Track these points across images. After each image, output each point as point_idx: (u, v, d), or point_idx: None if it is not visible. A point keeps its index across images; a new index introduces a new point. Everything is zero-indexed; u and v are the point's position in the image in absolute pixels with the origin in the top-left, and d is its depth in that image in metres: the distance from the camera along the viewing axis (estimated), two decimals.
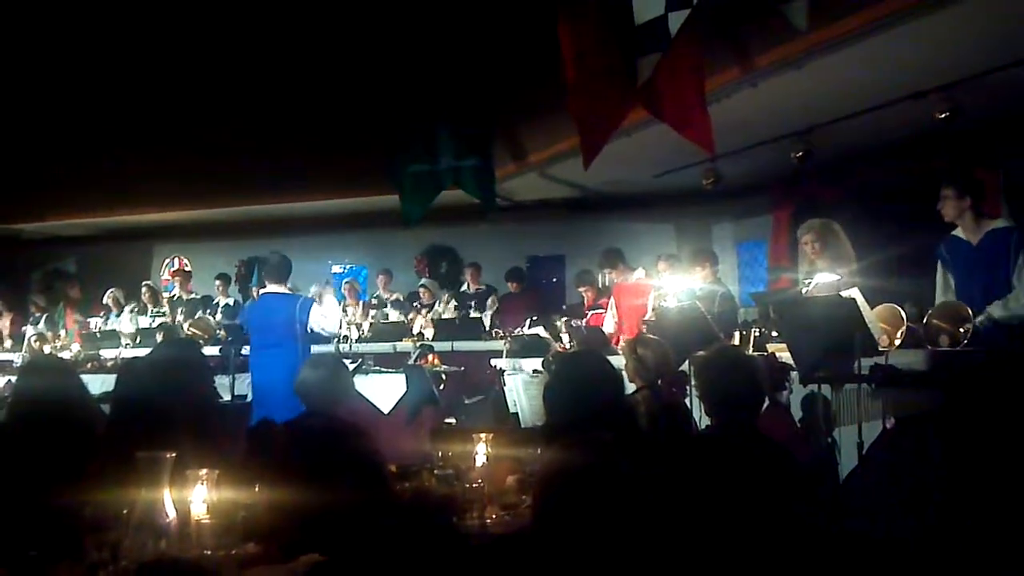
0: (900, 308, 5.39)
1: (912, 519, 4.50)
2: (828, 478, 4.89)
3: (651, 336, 5.74)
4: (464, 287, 11.94)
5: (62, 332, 11.54)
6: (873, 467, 4.78)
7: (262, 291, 7.88)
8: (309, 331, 7.46)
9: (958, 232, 5.91)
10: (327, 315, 7.55)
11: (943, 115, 7.06)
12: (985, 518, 4.35)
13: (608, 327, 8.53)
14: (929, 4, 5.66)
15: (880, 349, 5.00)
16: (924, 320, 5.39)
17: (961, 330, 5.11)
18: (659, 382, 5.22)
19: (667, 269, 8.42)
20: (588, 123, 6.18)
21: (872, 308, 5.24)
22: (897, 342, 5.23)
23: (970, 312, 5.18)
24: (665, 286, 7.75)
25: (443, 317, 10.28)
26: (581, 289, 9.51)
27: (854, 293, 5.09)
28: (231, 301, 11.61)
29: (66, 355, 10.09)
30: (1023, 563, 4.20)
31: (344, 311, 10.61)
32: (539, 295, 11.93)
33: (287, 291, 7.61)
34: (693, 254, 8.39)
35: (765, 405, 4.70)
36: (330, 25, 9.43)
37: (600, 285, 9.32)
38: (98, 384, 7.88)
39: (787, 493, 3.20)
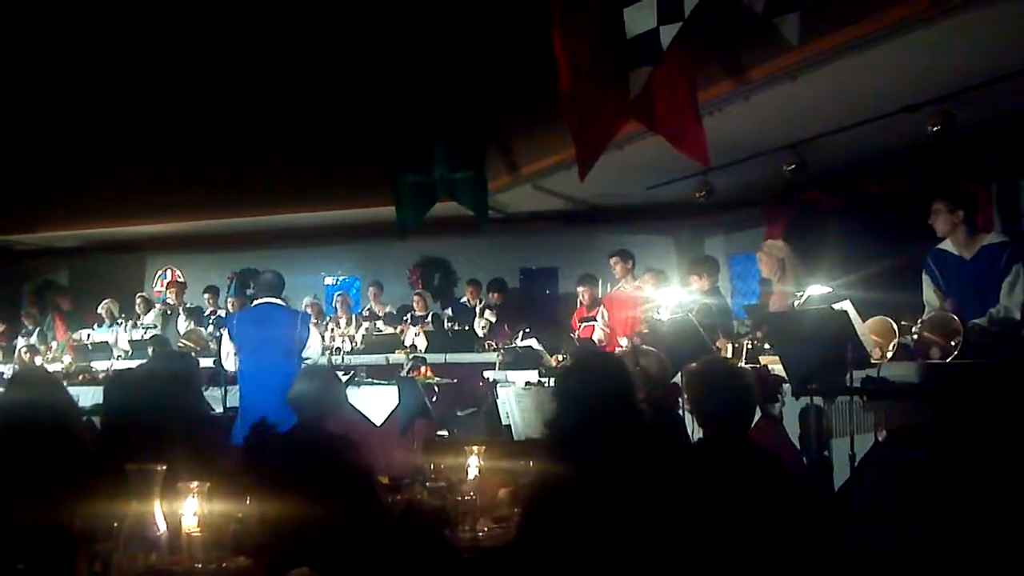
0: (892, 320, 5.40)
1: (904, 531, 4.51)
2: (821, 490, 4.89)
3: (649, 347, 5.74)
4: (462, 300, 11.99)
5: (53, 344, 11.52)
6: (865, 479, 4.79)
7: (257, 301, 7.79)
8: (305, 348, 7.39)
9: (947, 246, 5.91)
10: (316, 338, 7.50)
11: (935, 128, 7.08)
12: (977, 529, 4.35)
13: (598, 335, 8.54)
14: (921, 18, 5.69)
15: (872, 361, 5.01)
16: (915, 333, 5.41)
17: (952, 342, 5.13)
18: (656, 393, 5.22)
19: (652, 282, 8.41)
20: (583, 135, 6.20)
21: (865, 320, 5.25)
22: (889, 354, 5.24)
23: (960, 324, 5.18)
24: (658, 298, 7.77)
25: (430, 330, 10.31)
26: (581, 288, 9.47)
27: (846, 306, 5.10)
28: (222, 313, 11.60)
29: (57, 367, 10.07)
30: (1016, 573, 4.20)
31: (336, 323, 10.61)
32: (524, 307, 11.92)
33: (283, 304, 7.57)
34: (689, 264, 8.42)
35: (757, 417, 4.72)
36: (324, 38, 9.45)
37: (599, 292, 9.30)
38: (90, 396, 7.86)
39: (779, 503, 3.19)
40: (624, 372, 3.37)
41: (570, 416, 3.08)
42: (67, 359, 10.63)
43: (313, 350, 7.36)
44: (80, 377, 9.65)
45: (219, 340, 8.04)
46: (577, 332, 9.14)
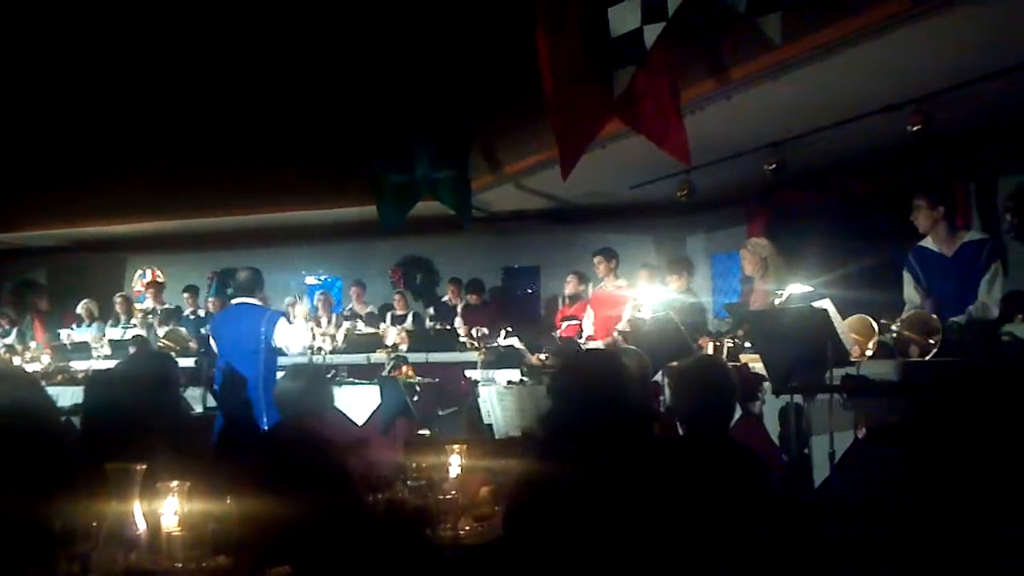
0: (871, 319, 5.43)
1: (883, 528, 4.53)
2: (802, 488, 4.91)
3: (630, 346, 5.76)
4: (444, 299, 12.00)
5: (32, 344, 11.45)
6: (845, 476, 4.81)
7: (233, 301, 7.81)
8: (273, 346, 7.38)
9: (927, 243, 5.95)
10: (293, 334, 7.46)
11: (915, 128, 7.12)
12: (955, 526, 4.38)
13: (587, 330, 8.57)
14: (902, 18, 5.72)
15: (852, 359, 5.03)
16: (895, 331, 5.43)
17: (931, 341, 5.16)
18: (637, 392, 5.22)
19: (648, 278, 8.45)
20: (566, 134, 6.21)
21: (844, 319, 5.27)
22: (868, 352, 5.27)
23: (939, 323, 5.22)
24: (640, 297, 7.79)
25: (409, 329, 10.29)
26: (569, 278, 9.47)
27: (826, 304, 5.12)
28: (201, 313, 11.56)
29: (36, 367, 10.00)
30: (993, 570, 4.23)
31: (317, 323, 10.58)
32: (502, 307, 11.92)
33: (257, 303, 7.54)
34: (667, 264, 8.45)
35: (738, 415, 4.73)
36: (306, 38, 9.42)
37: (583, 289, 9.31)
38: (68, 396, 7.81)
39: (758, 500, 3.21)
40: (620, 371, 3.35)
41: (565, 415, 3.07)
42: (46, 359, 10.55)
43: (287, 344, 7.33)
44: (59, 377, 9.60)
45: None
46: (560, 331, 9.15)
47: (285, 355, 7.44)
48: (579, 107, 6.14)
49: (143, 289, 13.73)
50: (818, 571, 3.75)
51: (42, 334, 12.00)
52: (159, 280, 13.65)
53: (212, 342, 7.47)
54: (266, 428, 5.62)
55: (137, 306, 12.06)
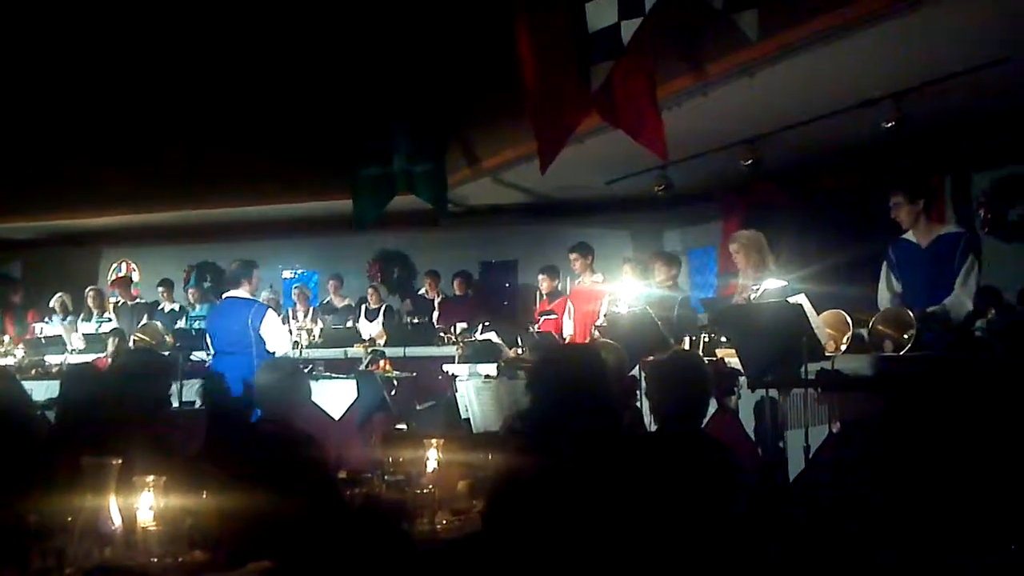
0: (846, 314, 5.46)
1: (856, 521, 4.57)
2: (776, 481, 4.94)
3: (608, 341, 5.78)
4: (421, 291, 12.00)
5: (5, 338, 11.35)
6: (819, 470, 4.85)
7: (224, 296, 7.79)
8: (262, 338, 7.36)
9: (908, 236, 5.99)
10: (277, 332, 7.43)
11: (890, 124, 7.17)
12: (928, 519, 4.42)
13: (567, 330, 8.58)
14: (877, 15, 5.76)
15: (826, 354, 5.07)
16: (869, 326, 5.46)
17: (905, 336, 5.19)
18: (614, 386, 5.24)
19: (631, 272, 8.46)
20: (545, 128, 6.22)
21: (820, 313, 5.30)
22: (843, 347, 5.30)
23: (913, 318, 5.25)
24: (618, 291, 7.80)
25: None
26: (541, 276, 9.48)
27: (801, 299, 5.15)
28: (176, 307, 11.50)
29: (9, 361, 9.92)
30: (965, 562, 4.27)
31: (294, 317, 10.54)
32: (479, 301, 11.92)
33: (246, 296, 7.51)
34: (655, 254, 8.45)
35: (713, 410, 4.75)
36: (282, 31, 9.37)
37: (558, 284, 9.32)
38: (42, 390, 7.76)
39: (729, 493, 3.22)
40: (598, 366, 3.36)
41: (543, 409, 3.07)
42: (19, 353, 10.46)
43: (275, 344, 7.31)
44: (33, 371, 9.52)
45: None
46: (537, 325, 9.16)
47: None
48: (557, 101, 6.14)
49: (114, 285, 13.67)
50: (791, 564, 3.78)
51: (13, 328, 11.90)
52: (131, 276, 13.58)
53: (208, 338, 7.53)
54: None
55: (111, 300, 11.98)
